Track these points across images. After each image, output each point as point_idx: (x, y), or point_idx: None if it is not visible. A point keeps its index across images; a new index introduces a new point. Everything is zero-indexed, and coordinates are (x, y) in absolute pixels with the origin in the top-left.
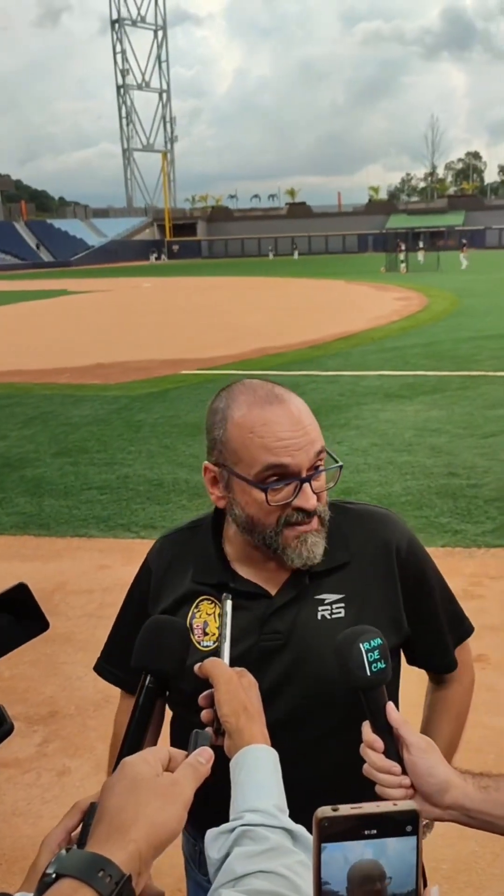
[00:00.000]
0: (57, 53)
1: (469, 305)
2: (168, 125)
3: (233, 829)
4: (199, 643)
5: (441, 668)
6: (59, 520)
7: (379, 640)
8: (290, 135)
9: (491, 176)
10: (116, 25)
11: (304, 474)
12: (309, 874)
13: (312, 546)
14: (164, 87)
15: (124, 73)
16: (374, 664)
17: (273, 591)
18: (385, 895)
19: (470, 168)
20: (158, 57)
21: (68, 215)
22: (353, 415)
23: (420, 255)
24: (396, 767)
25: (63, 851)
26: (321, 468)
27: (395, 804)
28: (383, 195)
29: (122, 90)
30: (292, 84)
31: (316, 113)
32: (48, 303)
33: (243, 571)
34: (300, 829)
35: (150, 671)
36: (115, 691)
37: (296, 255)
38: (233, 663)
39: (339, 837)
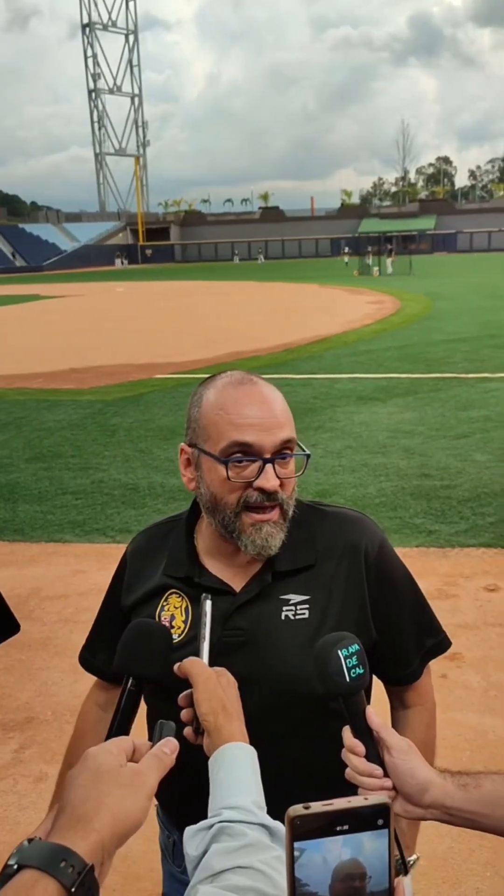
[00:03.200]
0: (26, 58)
1: (441, 309)
2: (140, 129)
3: (211, 826)
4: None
5: (402, 678)
6: (34, 525)
7: (356, 646)
8: (262, 139)
9: (461, 180)
10: (87, 30)
11: (267, 455)
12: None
13: (268, 536)
14: (136, 91)
15: (95, 77)
16: (353, 670)
17: (238, 588)
18: (365, 893)
19: (441, 173)
20: (130, 61)
21: (41, 220)
22: (328, 417)
23: (388, 263)
24: (378, 770)
25: (25, 842)
26: (288, 455)
27: (365, 798)
28: (356, 199)
29: (93, 94)
30: (263, 89)
31: (287, 118)
32: (20, 308)
33: (211, 565)
34: (278, 825)
35: (133, 675)
36: None
37: (261, 260)
38: (198, 653)
39: (312, 835)
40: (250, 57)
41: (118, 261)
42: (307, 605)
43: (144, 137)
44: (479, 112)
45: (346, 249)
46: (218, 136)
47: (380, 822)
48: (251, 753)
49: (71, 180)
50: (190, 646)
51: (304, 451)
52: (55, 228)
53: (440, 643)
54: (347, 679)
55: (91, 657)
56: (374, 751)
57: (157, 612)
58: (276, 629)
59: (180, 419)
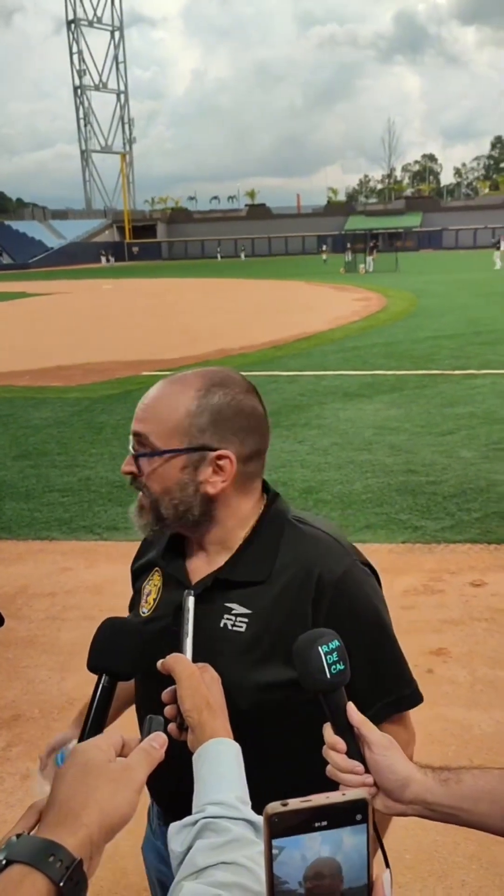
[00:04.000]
0: (10, 54)
1: (427, 306)
2: (126, 126)
3: (195, 822)
4: (141, 607)
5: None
6: (21, 523)
7: (336, 643)
8: (249, 137)
9: (447, 178)
10: (73, 26)
11: (129, 446)
12: None
13: (131, 512)
14: (122, 88)
15: (81, 73)
16: (333, 666)
17: (194, 581)
18: (338, 890)
19: (426, 170)
20: (116, 58)
21: (26, 217)
22: (314, 414)
23: (369, 260)
24: (359, 767)
25: (14, 837)
26: (138, 451)
27: (343, 794)
28: (342, 197)
29: (79, 91)
30: (249, 86)
31: (273, 115)
32: (6, 305)
33: (189, 553)
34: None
35: (107, 672)
36: (79, 694)
37: (242, 257)
38: (153, 639)
39: (290, 832)
40: (236, 54)
41: (103, 258)
42: (246, 620)
43: (131, 134)
44: (464, 110)
45: (324, 247)
46: (204, 133)
47: (358, 817)
48: (235, 749)
49: (57, 177)
50: (153, 624)
51: (140, 452)
52: (41, 225)
53: (407, 697)
54: (328, 675)
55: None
56: (355, 747)
57: (143, 584)
58: (214, 633)
59: None
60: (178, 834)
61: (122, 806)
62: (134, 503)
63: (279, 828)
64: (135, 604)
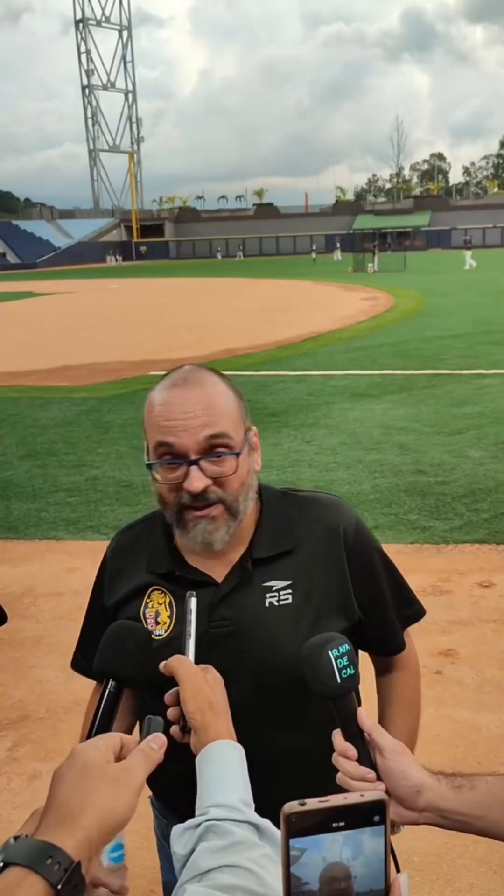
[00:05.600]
0: (18, 54)
1: (435, 305)
2: (134, 126)
3: (198, 825)
4: (151, 633)
5: (390, 650)
6: (28, 523)
7: (346, 647)
8: (256, 136)
9: (455, 177)
10: (81, 25)
11: (191, 456)
12: (275, 867)
13: (205, 532)
14: (130, 87)
15: (89, 73)
16: (344, 670)
17: (220, 579)
18: (351, 893)
19: (435, 169)
20: (123, 57)
21: (34, 216)
22: (322, 414)
23: (374, 261)
24: (371, 774)
25: (11, 840)
26: (221, 453)
27: (362, 795)
28: (350, 196)
29: (87, 90)
30: (257, 85)
31: (281, 114)
32: (14, 305)
33: (192, 559)
34: (266, 822)
35: (113, 676)
36: (86, 695)
37: (239, 257)
38: (182, 652)
39: (308, 832)
40: (243, 53)
41: (110, 258)
42: (290, 591)
43: (138, 134)
44: (472, 108)
45: (314, 247)
46: (212, 132)
47: (376, 818)
48: (238, 751)
49: (65, 177)
50: (176, 641)
51: (233, 451)
52: (49, 225)
53: (417, 611)
54: (338, 680)
55: (84, 660)
56: (366, 754)
57: (141, 610)
58: (262, 616)
59: None
60: (181, 836)
61: (120, 807)
62: (199, 525)
63: (296, 827)
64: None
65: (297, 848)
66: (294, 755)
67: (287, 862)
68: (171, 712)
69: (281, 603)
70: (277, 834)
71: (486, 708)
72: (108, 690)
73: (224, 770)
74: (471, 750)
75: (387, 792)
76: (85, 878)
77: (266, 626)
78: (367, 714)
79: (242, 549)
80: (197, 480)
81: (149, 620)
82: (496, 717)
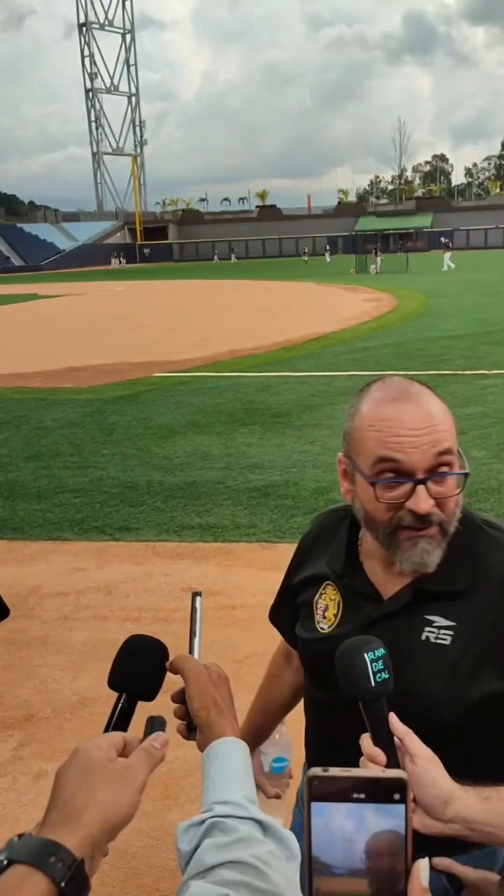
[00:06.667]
0: (22, 57)
1: (437, 306)
2: (138, 129)
3: (202, 822)
4: (317, 623)
5: None
6: (33, 523)
7: (382, 651)
8: (258, 138)
9: (458, 178)
10: (84, 29)
11: (419, 475)
12: (279, 864)
13: (423, 552)
14: (133, 90)
15: (92, 76)
16: (379, 674)
17: (386, 596)
18: (401, 873)
19: (437, 170)
20: (126, 60)
21: (38, 219)
22: (325, 415)
23: (377, 262)
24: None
25: (15, 838)
26: (446, 472)
27: (383, 771)
28: (352, 198)
29: (90, 93)
30: (259, 88)
31: (283, 116)
32: (19, 307)
33: (369, 567)
34: (271, 819)
35: (127, 692)
36: (92, 694)
37: (233, 259)
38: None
39: (329, 798)
40: (246, 56)
41: (115, 260)
42: (451, 632)
43: (142, 136)
44: (474, 109)
45: (306, 249)
46: (214, 134)
47: (396, 796)
48: (243, 748)
49: (68, 180)
50: (336, 639)
51: (462, 470)
52: (53, 228)
53: None
54: (372, 683)
55: (275, 612)
56: (395, 760)
57: (315, 598)
58: (414, 647)
59: (178, 417)
60: (185, 833)
61: (123, 806)
62: (419, 545)
63: (318, 791)
64: (302, 617)
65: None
66: None
67: (310, 823)
68: (178, 710)
69: (437, 641)
70: (282, 831)
71: None
72: (120, 706)
73: (228, 767)
74: None
75: (414, 800)
76: (89, 875)
77: (416, 659)
78: (398, 719)
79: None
80: (424, 501)
81: (319, 610)
82: None
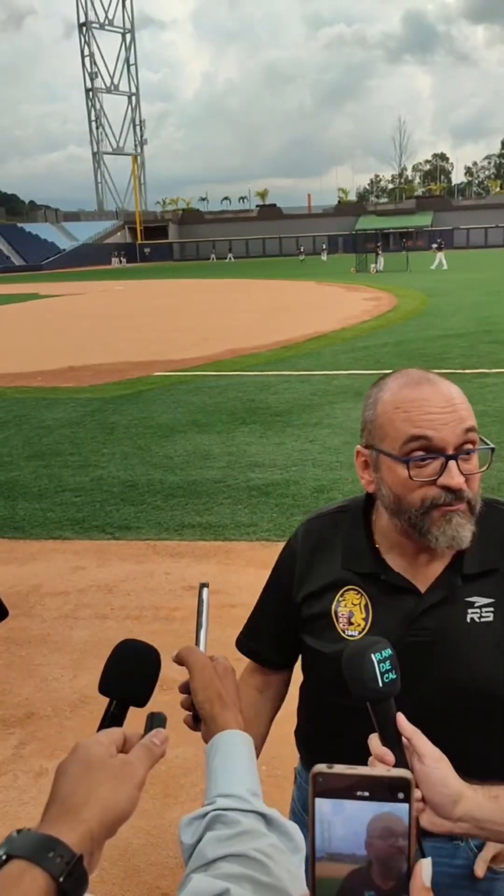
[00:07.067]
0: (22, 57)
1: (437, 305)
2: (138, 128)
3: (205, 815)
4: (343, 632)
5: None
6: (34, 522)
7: (389, 651)
8: (259, 137)
9: (458, 177)
10: (84, 28)
11: (450, 451)
12: (282, 857)
13: (458, 526)
14: (133, 90)
15: (93, 76)
16: (386, 675)
17: (423, 587)
18: (406, 854)
19: (437, 169)
20: (127, 60)
21: (39, 219)
22: (326, 413)
23: (378, 261)
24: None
25: (14, 833)
26: (472, 449)
27: (388, 770)
28: (353, 197)
29: (90, 93)
30: (259, 87)
31: (283, 116)
32: (19, 307)
33: (393, 562)
34: (274, 812)
35: (118, 698)
36: (92, 692)
37: (229, 258)
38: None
39: (333, 794)
40: (246, 55)
41: (115, 260)
42: (492, 609)
43: (142, 136)
44: (474, 108)
45: (302, 248)
46: (214, 134)
47: (400, 795)
48: (247, 741)
49: (68, 179)
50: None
51: (487, 444)
52: (53, 227)
53: None
54: (380, 684)
55: (249, 642)
56: (403, 760)
57: (332, 607)
58: (463, 631)
59: (178, 417)
60: (188, 826)
61: (123, 801)
62: (453, 520)
63: (322, 787)
64: (317, 630)
65: (323, 808)
66: (476, 766)
67: (313, 819)
68: (183, 702)
69: (482, 620)
70: (286, 824)
71: None
72: (110, 712)
73: (232, 760)
74: None
75: (423, 799)
76: (87, 871)
77: (466, 642)
78: (406, 719)
79: (446, 558)
80: (457, 476)
81: (341, 619)
82: None
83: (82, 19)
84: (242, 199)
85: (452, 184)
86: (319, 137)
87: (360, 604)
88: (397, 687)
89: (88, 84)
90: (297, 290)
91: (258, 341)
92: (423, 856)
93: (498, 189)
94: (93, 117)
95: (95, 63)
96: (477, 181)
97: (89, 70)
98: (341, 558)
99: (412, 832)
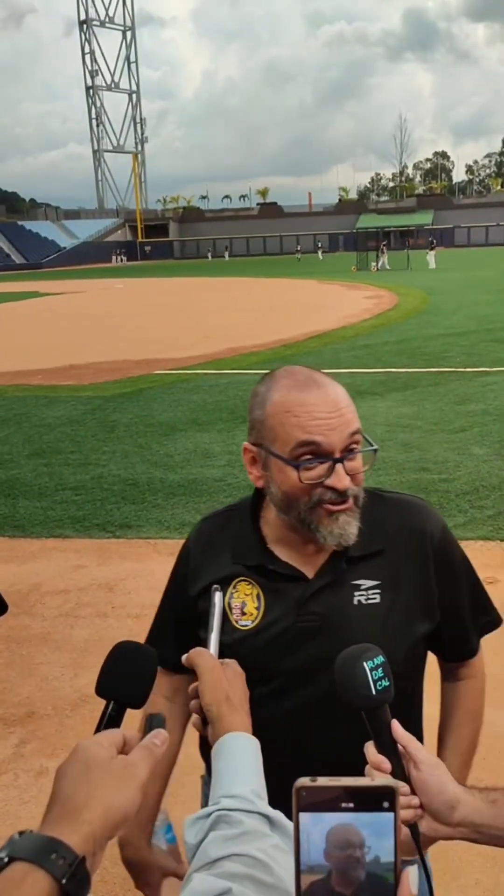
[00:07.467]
0: (22, 55)
1: (438, 303)
2: (138, 126)
3: (209, 815)
4: (236, 622)
5: (463, 654)
6: (34, 521)
7: (381, 658)
8: (259, 136)
9: (459, 175)
10: (84, 26)
11: (337, 454)
12: (285, 857)
13: (345, 524)
14: (134, 88)
15: (93, 74)
16: (379, 682)
17: (310, 574)
18: (363, 863)
19: (438, 168)
20: (127, 58)
21: (39, 217)
22: None
23: (384, 259)
24: (405, 787)
25: (16, 835)
26: (356, 450)
27: (372, 780)
28: (353, 195)
29: (91, 91)
30: (259, 85)
31: (284, 114)
32: (20, 304)
33: (281, 553)
34: (278, 814)
35: (114, 700)
36: (93, 691)
37: (226, 257)
38: (269, 643)
39: (317, 808)
40: (246, 53)
41: (115, 258)
42: (378, 590)
43: (142, 134)
44: (475, 107)
45: (298, 247)
46: (215, 132)
47: (385, 804)
48: (253, 743)
49: (69, 177)
50: (264, 632)
51: (371, 445)
52: (54, 225)
53: (493, 620)
54: (373, 692)
55: (159, 650)
56: (400, 767)
57: (226, 600)
58: (350, 613)
59: (179, 415)
60: (192, 826)
61: (124, 802)
62: (340, 518)
63: (306, 802)
64: (204, 624)
65: (307, 822)
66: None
67: (298, 834)
68: (193, 705)
69: (369, 602)
70: (289, 825)
71: (493, 704)
72: (108, 714)
73: (237, 761)
74: (479, 748)
75: (421, 806)
76: (90, 872)
77: (354, 624)
78: (401, 726)
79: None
80: (344, 478)
81: (234, 610)
82: (502, 714)
83: (83, 17)
84: (243, 197)
85: (453, 182)
86: (320, 136)
87: (252, 594)
88: (391, 695)
89: (89, 82)
90: (298, 289)
91: (259, 340)
92: (424, 863)
93: (499, 187)
94: (93, 115)
95: (96, 61)
96: (478, 179)
97: (90, 68)
98: (231, 553)
99: (397, 841)
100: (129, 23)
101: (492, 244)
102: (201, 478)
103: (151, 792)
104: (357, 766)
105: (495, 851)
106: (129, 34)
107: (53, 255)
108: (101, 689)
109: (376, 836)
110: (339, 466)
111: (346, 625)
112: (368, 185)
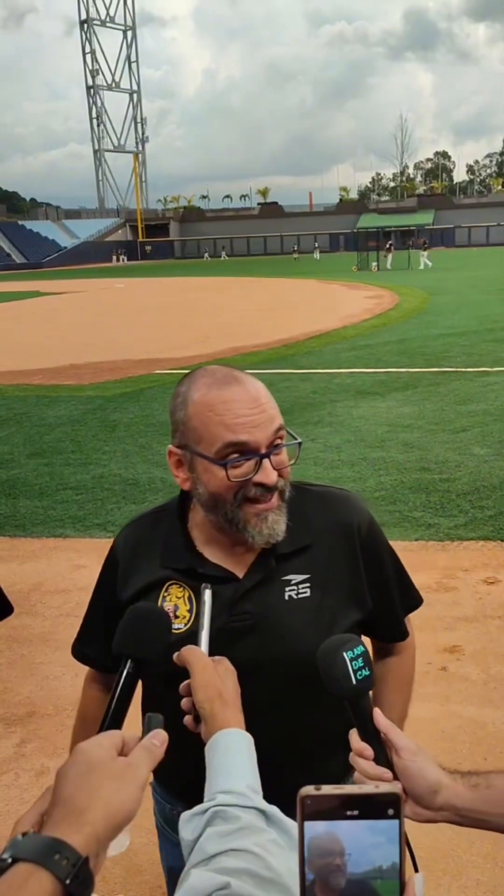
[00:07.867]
0: (23, 55)
1: (439, 303)
2: (139, 126)
3: (205, 811)
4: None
5: (395, 637)
6: (35, 521)
7: (361, 648)
8: (260, 135)
9: (459, 175)
10: (85, 26)
11: (263, 450)
12: (281, 852)
13: (273, 524)
14: (134, 87)
15: (94, 73)
16: (359, 672)
17: (240, 574)
18: (344, 871)
19: (439, 167)
20: (128, 57)
21: (40, 217)
22: (327, 412)
23: (389, 258)
24: (388, 773)
25: (19, 836)
26: (281, 445)
27: (377, 786)
28: (354, 195)
29: (91, 91)
30: (260, 85)
31: (284, 113)
32: (20, 304)
33: (210, 555)
34: (274, 809)
35: (132, 658)
36: None
37: (223, 257)
38: (214, 645)
39: (322, 816)
40: (247, 53)
41: (116, 258)
42: (308, 584)
43: (143, 134)
44: (476, 106)
45: (295, 247)
46: (216, 132)
47: (390, 811)
48: (247, 739)
49: (70, 177)
50: (196, 635)
51: (295, 438)
52: (55, 225)
53: (416, 599)
54: (354, 682)
55: (83, 648)
56: (382, 754)
57: (158, 604)
58: (282, 610)
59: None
60: (188, 822)
61: (126, 803)
62: (269, 518)
63: (311, 810)
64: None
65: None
66: (321, 743)
67: (302, 844)
68: (184, 702)
69: (300, 596)
70: (285, 820)
71: (492, 704)
72: (126, 672)
73: (231, 758)
74: (476, 746)
75: (404, 791)
76: (93, 873)
77: (287, 620)
78: (382, 714)
79: None
80: (271, 473)
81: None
82: (501, 714)
83: (83, 16)
84: (244, 196)
85: (454, 182)
86: (321, 135)
87: (184, 596)
88: (371, 683)
89: (89, 81)
90: (299, 288)
91: (259, 339)
92: (416, 870)
93: (500, 187)
94: (94, 115)
95: (97, 60)
96: (479, 179)
97: (90, 67)
98: (160, 557)
99: (403, 847)
100: (129, 22)
101: (493, 244)
102: None
103: None
104: (301, 767)
105: (496, 852)
106: (129, 33)
107: (54, 254)
108: (118, 647)
109: (383, 842)
110: (265, 462)
111: (279, 621)
112: (369, 185)
